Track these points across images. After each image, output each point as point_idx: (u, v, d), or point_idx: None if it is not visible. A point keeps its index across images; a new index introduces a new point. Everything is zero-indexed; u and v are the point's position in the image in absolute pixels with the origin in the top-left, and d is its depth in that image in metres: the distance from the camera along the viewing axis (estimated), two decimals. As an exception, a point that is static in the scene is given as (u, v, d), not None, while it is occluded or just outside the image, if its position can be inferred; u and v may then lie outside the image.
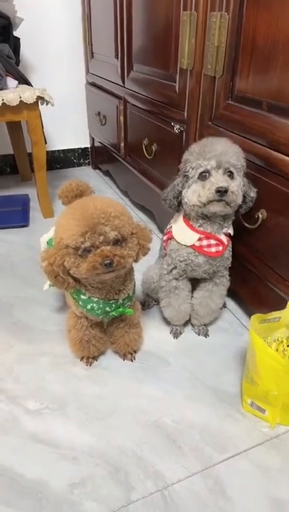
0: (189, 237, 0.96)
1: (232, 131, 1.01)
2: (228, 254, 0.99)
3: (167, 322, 1.13)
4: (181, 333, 1.12)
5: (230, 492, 0.75)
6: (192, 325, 1.14)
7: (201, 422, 0.88)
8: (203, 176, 0.88)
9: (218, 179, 0.86)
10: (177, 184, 0.93)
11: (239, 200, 0.90)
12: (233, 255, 1.02)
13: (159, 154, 1.42)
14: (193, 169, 0.89)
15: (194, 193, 0.89)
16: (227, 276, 1.04)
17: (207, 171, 0.87)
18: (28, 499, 0.73)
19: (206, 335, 1.11)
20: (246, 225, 1.00)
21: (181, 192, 0.93)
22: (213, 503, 0.73)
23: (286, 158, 0.86)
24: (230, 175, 0.88)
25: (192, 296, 1.07)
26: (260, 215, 0.95)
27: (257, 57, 0.89)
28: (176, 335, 1.11)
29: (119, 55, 1.60)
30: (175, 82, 1.22)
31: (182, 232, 0.97)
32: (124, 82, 1.62)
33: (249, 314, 0.93)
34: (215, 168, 0.87)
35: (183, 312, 1.07)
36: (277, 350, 0.85)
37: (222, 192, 0.85)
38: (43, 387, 0.95)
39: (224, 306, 1.22)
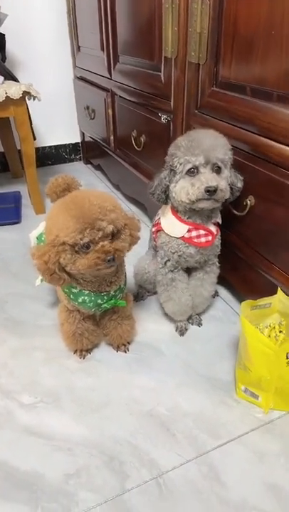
0: (178, 229, 0.95)
1: (218, 118, 1.00)
2: (217, 242, 0.99)
3: (169, 318, 1.11)
4: (186, 330, 1.09)
5: (225, 478, 0.75)
6: (186, 315, 1.13)
7: (195, 410, 0.88)
8: (192, 171, 0.87)
9: (207, 178, 0.85)
10: (164, 177, 0.92)
11: (227, 195, 0.89)
12: (222, 243, 1.02)
13: (148, 146, 1.41)
14: (181, 165, 0.88)
15: (182, 190, 0.88)
16: (217, 264, 1.04)
17: (195, 167, 0.86)
18: (24, 491, 0.73)
19: (199, 324, 1.11)
20: (235, 212, 1.00)
21: (168, 186, 0.92)
22: (208, 489, 0.73)
23: (272, 143, 0.86)
24: (218, 170, 0.87)
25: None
26: (249, 202, 0.95)
27: (239, 42, 0.88)
28: (182, 332, 1.08)
29: (105, 47, 1.59)
30: (160, 72, 1.21)
31: (171, 224, 0.97)
32: (111, 75, 1.61)
33: (242, 302, 0.93)
34: (203, 164, 0.86)
35: (184, 305, 1.05)
36: (269, 336, 0.85)
37: (211, 191, 0.84)
38: (37, 381, 0.95)
39: (216, 294, 1.22)
